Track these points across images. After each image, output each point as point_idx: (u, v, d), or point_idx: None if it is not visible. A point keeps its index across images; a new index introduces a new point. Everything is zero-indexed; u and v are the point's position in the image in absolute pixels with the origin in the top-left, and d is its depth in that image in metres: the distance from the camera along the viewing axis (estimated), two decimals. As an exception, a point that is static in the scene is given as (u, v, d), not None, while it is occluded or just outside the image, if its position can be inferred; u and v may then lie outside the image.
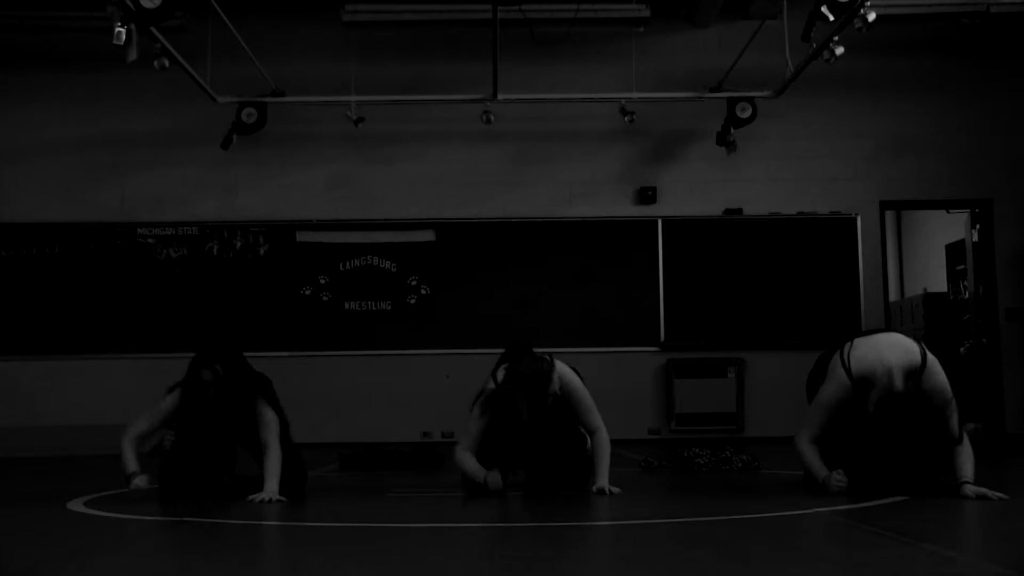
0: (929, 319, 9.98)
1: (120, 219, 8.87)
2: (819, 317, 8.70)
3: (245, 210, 8.93)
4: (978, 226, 9.20)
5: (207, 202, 8.95)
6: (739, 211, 8.96)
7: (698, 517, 3.62)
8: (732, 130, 8.38)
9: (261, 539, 3.29)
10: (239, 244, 8.84)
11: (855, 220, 8.90)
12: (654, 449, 6.98)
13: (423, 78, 8.94)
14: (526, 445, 4.33)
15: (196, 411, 4.29)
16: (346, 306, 8.80)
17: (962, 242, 9.67)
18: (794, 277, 8.84)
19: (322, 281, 8.81)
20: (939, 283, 10.57)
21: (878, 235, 9.01)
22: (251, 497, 4.03)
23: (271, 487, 4.09)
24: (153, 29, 6.23)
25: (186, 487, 4.25)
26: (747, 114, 8.24)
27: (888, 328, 7.27)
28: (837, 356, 4.15)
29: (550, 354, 4.39)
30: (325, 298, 8.79)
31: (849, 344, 4.15)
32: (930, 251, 11.19)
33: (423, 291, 8.82)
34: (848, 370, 4.05)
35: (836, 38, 6.56)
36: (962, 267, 9.76)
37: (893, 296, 10.41)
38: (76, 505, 4.01)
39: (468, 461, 4.38)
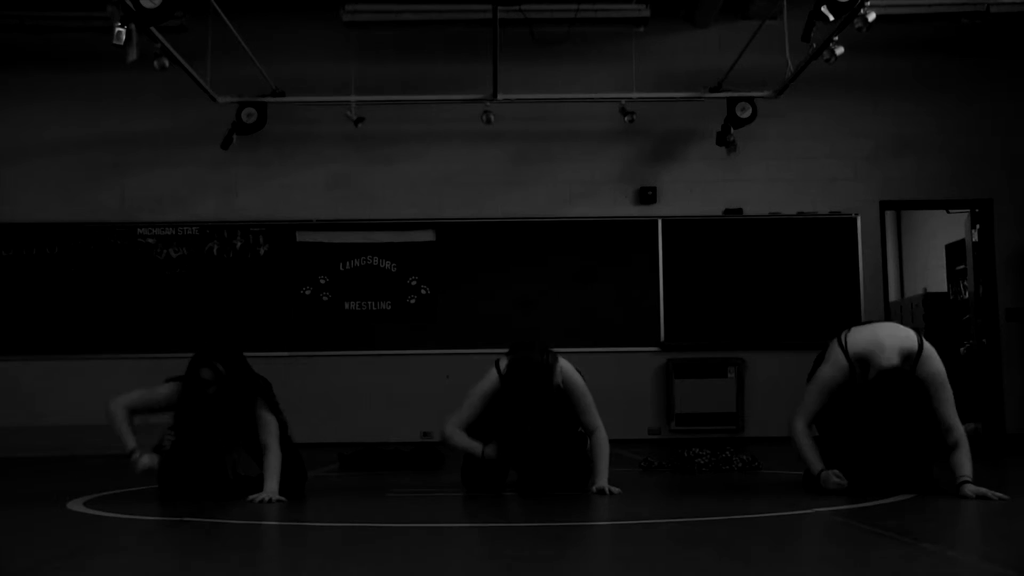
0: (929, 319, 9.97)
1: (120, 219, 8.87)
2: (819, 317, 8.69)
3: (245, 210, 8.93)
4: (978, 226, 9.20)
5: (207, 202, 8.96)
6: (739, 211, 8.96)
7: (698, 517, 3.62)
8: (732, 130, 8.38)
9: (261, 539, 3.29)
10: (239, 244, 8.84)
11: (855, 220, 8.90)
12: (654, 449, 6.98)
13: (423, 78, 8.95)
14: (523, 441, 4.32)
15: (196, 410, 4.29)
16: (346, 306, 8.80)
17: (962, 242, 9.67)
18: (794, 277, 8.84)
19: (322, 281, 8.80)
20: (939, 283, 10.57)
21: (878, 235, 9.00)
22: (251, 497, 4.03)
23: (271, 487, 4.09)
24: (153, 29, 6.23)
25: (186, 487, 4.25)
26: (747, 114, 8.24)
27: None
28: (835, 341, 4.21)
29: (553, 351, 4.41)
30: (325, 298, 8.79)
31: (847, 331, 4.23)
32: (930, 251, 11.18)
33: (423, 291, 8.82)
34: (845, 350, 4.11)
35: (836, 38, 6.56)
36: (962, 267, 9.76)
37: (893, 296, 10.41)
38: (76, 505, 4.01)
39: (460, 436, 4.39)
